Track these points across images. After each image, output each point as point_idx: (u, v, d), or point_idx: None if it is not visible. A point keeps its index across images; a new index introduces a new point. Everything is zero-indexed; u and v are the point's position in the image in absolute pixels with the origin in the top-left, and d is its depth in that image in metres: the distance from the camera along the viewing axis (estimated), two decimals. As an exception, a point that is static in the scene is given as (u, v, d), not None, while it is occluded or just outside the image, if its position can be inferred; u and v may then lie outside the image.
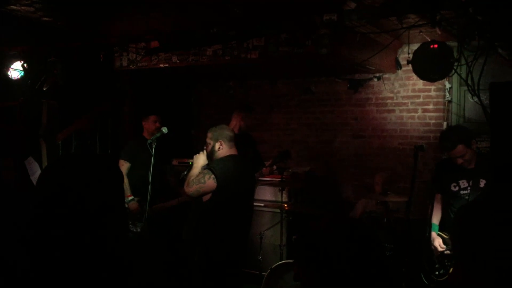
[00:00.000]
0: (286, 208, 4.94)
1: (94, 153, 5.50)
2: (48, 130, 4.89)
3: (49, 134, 4.88)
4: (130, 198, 4.88)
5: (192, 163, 3.90)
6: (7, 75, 4.96)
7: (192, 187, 3.72)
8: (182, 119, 6.83)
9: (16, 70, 4.92)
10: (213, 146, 3.83)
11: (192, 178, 3.73)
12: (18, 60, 4.92)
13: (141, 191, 4.76)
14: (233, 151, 3.91)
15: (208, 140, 3.87)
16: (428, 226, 4.10)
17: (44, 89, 4.79)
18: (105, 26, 5.07)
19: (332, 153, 6.28)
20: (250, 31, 4.75)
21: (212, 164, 3.81)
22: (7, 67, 4.95)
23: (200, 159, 3.86)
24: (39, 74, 4.91)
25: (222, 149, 3.84)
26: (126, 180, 4.92)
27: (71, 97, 5.33)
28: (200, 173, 3.76)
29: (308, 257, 1.50)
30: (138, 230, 4.71)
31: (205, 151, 3.89)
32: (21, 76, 4.93)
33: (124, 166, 4.97)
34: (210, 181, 3.68)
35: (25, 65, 4.83)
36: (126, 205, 4.80)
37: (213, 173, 3.69)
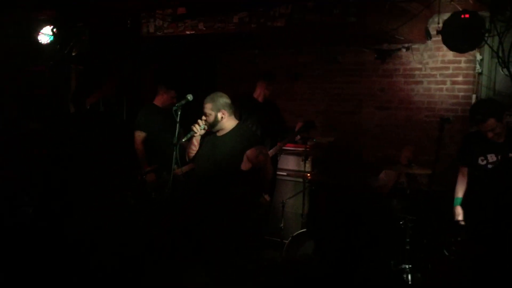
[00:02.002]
0: (309, 177, 4.98)
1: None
2: (76, 95, 4.98)
3: (78, 99, 4.97)
4: (147, 170, 4.86)
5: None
6: (37, 40, 5.03)
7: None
8: (205, 87, 6.83)
9: (45, 35, 4.97)
10: (216, 117, 3.77)
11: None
12: (47, 25, 4.97)
13: (160, 159, 4.82)
14: (235, 119, 3.91)
15: (208, 111, 3.78)
16: (452, 199, 4.09)
17: (73, 54, 4.86)
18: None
19: (357, 124, 6.24)
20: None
21: (245, 135, 3.81)
22: (37, 32, 5.02)
23: (200, 130, 3.84)
24: (67, 39, 4.97)
25: (225, 118, 3.79)
26: (143, 151, 4.96)
27: (99, 62, 5.39)
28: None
29: None
30: (161, 196, 4.79)
31: (202, 122, 3.83)
32: (51, 41, 4.99)
33: (141, 136, 4.93)
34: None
35: (54, 30, 4.88)
36: (144, 177, 4.85)
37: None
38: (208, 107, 3.79)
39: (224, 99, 3.81)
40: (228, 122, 3.84)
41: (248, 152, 3.68)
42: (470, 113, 3.93)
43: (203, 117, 3.83)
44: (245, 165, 3.69)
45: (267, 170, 3.82)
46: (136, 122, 5.01)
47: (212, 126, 3.84)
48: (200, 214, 3.81)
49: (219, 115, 3.78)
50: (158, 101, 5.07)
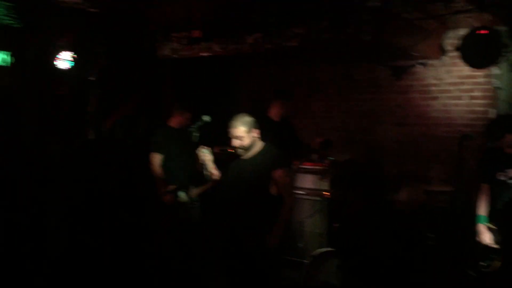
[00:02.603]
0: (327, 196, 4.94)
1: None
2: (94, 118, 5.04)
3: (96, 122, 5.03)
4: (164, 190, 4.84)
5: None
6: (55, 64, 5.11)
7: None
8: (220, 106, 6.84)
9: (64, 60, 5.05)
10: (251, 138, 3.67)
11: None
12: (65, 50, 5.05)
13: (175, 180, 4.83)
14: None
15: (242, 134, 3.65)
16: (474, 217, 4.02)
17: (91, 78, 4.93)
18: (147, 14, 5.12)
19: (373, 140, 6.20)
20: (291, 19, 4.72)
21: (276, 156, 3.72)
22: (55, 57, 5.10)
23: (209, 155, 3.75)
24: (86, 63, 5.05)
25: (256, 136, 3.72)
26: (160, 172, 4.94)
27: (117, 85, 5.47)
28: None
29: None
30: (181, 216, 4.81)
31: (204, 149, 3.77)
32: (71, 67, 5.05)
33: (157, 158, 4.92)
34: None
35: (75, 56, 4.95)
36: (162, 197, 4.83)
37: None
38: (241, 131, 3.65)
39: (250, 118, 3.73)
40: (258, 142, 3.76)
41: (276, 172, 3.63)
42: (487, 129, 3.89)
43: (237, 142, 3.69)
44: (273, 189, 3.66)
45: (289, 194, 3.72)
46: (152, 144, 5.03)
47: (248, 149, 3.71)
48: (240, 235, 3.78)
49: (253, 134, 3.70)
50: (174, 122, 5.09)
